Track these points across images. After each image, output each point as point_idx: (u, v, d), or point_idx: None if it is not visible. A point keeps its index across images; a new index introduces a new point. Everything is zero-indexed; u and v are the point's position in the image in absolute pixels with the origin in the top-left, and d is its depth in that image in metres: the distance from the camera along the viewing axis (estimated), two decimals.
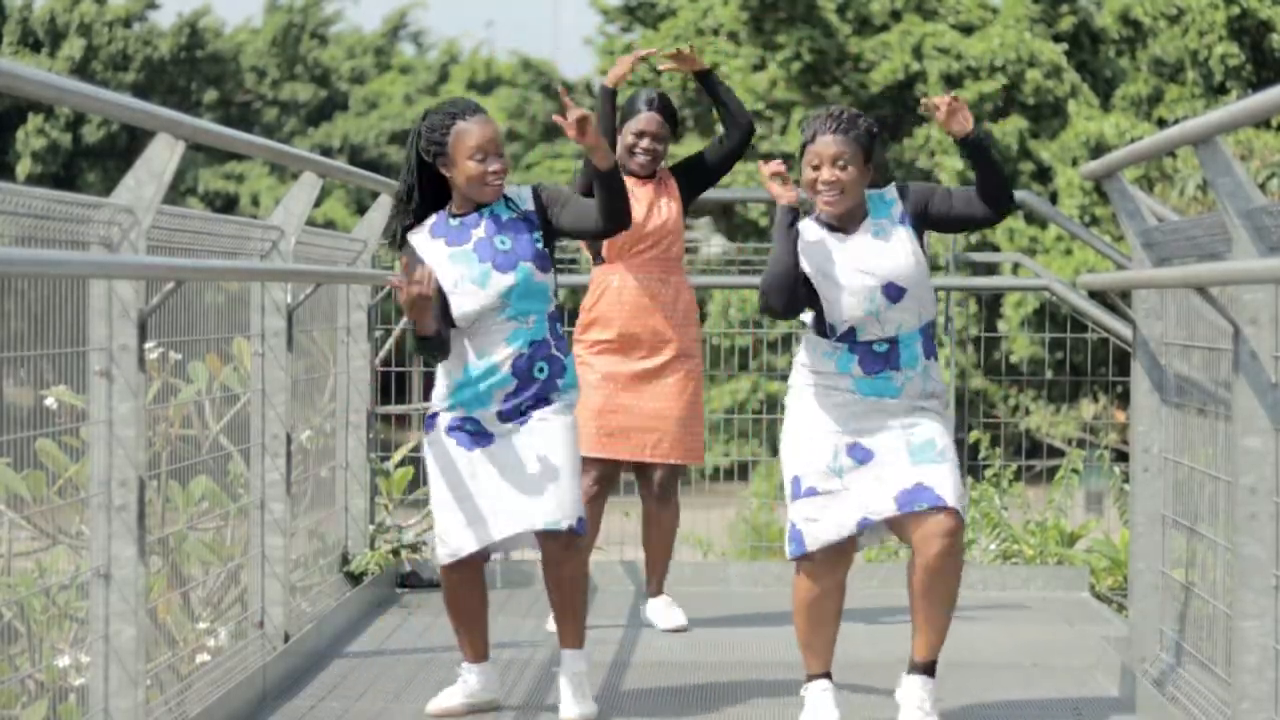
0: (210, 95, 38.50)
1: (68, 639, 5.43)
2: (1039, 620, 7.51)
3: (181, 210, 5.68)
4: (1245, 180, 4.91)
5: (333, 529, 7.72)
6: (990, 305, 24.30)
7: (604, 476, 7.02)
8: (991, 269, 20.30)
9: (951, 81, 26.41)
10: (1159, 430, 6.05)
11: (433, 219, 5.61)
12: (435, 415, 5.61)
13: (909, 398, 5.38)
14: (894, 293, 5.34)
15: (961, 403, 10.02)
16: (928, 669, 5.41)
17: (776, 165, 5.35)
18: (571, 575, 5.62)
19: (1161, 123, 25.08)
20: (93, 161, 36.31)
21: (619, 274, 7.00)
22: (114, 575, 4.84)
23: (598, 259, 7.07)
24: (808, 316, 5.45)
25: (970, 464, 9.27)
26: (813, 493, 5.36)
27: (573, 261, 10.06)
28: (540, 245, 5.58)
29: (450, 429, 5.56)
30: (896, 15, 27.57)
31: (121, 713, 4.85)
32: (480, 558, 5.66)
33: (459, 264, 5.53)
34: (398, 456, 8.60)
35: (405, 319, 8.38)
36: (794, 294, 5.35)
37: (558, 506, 5.51)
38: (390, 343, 8.76)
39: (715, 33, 28.07)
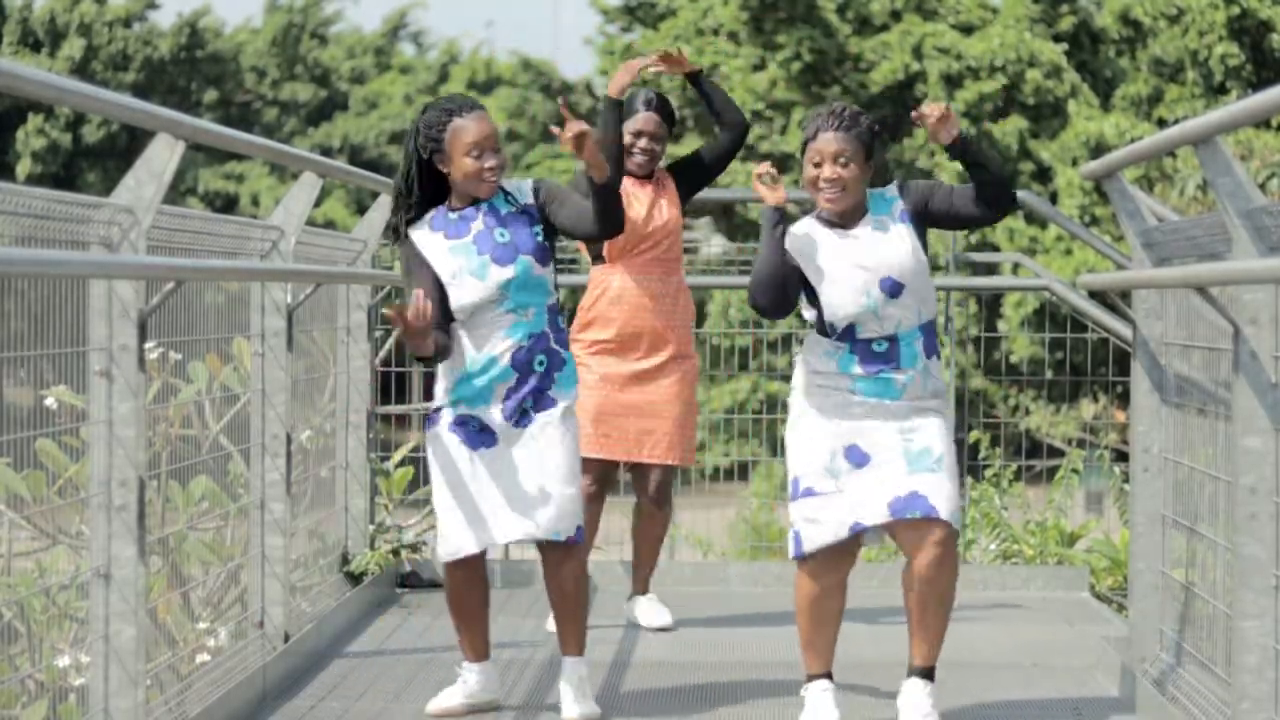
0: (210, 95, 38.51)
1: (68, 639, 5.43)
2: (1039, 620, 7.51)
3: (181, 210, 5.68)
4: (1245, 180, 4.91)
5: (333, 529, 7.72)
6: (990, 305, 24.30)
7: (602, 477, 7.02)
8: (991, 269, 20.31)
9: (951, 81, 26.41)
10: (1159, 430, 6.05)
11: (432, 213, 5.61)
12: (438, 411, 5.61)
13: (911, 399, 5.38)
14: (892, 288, 5.34)
15: (961, 403, 10.01)
16: (927, 673, 5.42)
17: (764, 167, 5.37)
18: (572, 582, 5.64)
19: (1161, 123, 25.08)
20: (93, 161, 36.32)
21: (619, 274, 7.00)
22: (114, 575, 4.85)
23: (597, 259, 7.06)
24: (810, 314, 5.45)
25: (970, 464, 9.27)
26: (810, 493, 5.36)
27: (572, 261, 10.05)
28: (540, 239, 5.58)
29: (452, 426, 5.56)
30: (896, 15, 27.57)
31: (121, 713, 4.85)
32: (482, 555, 5.67)
33: (458, 256, 5.53)
34: (398, 456, 8.60)
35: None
36: (781, 293, 5.35)
37: (558, 518, 5.53)
38: (390, 343, 8.76)
39: (715, 33, 28.07)
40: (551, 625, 6.72)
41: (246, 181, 37.03)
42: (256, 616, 6.35)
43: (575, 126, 5.32)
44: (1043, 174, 26.38)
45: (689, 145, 25.90)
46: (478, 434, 5.55)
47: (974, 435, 9.53)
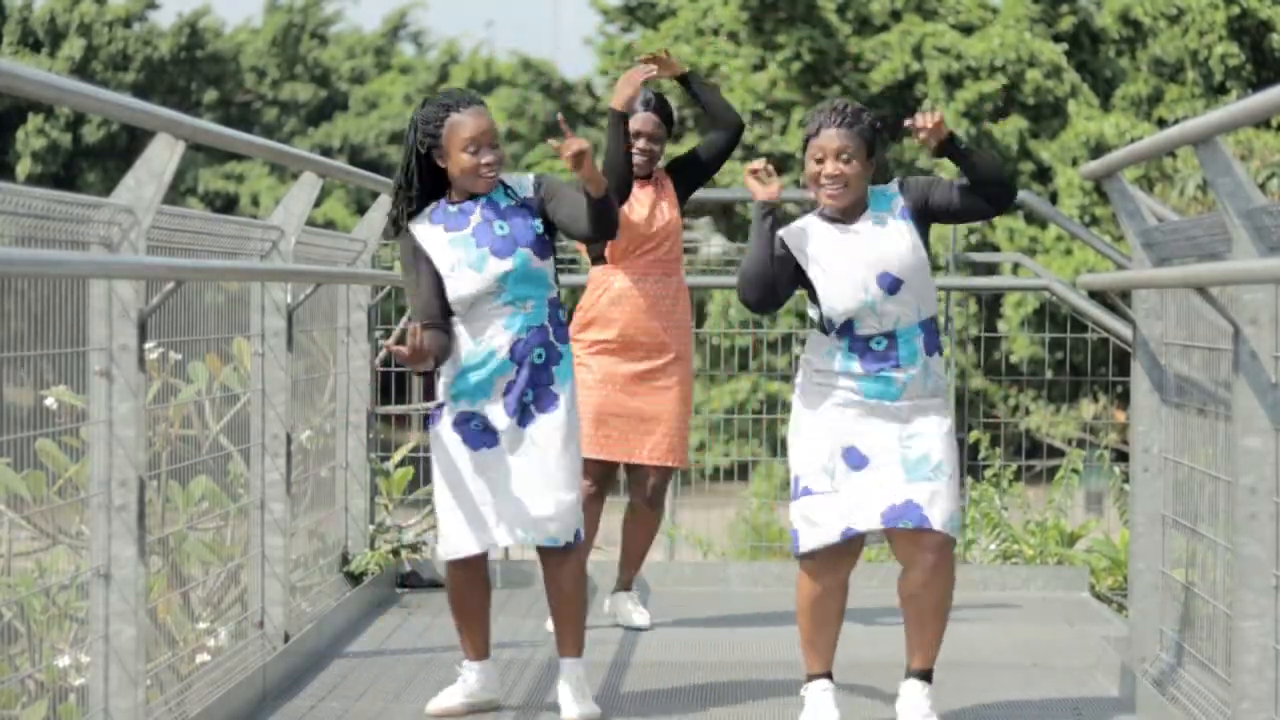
0: (210, 95, 38.49)
1: (68, 639, 5.43)
2: (1039, 620, 7.51)
3: (181, 210, 5.68)
4: (1245, 180, 4.91)
5: (333, 529, 7.72)
6: (990, 305, 24.29)
7: (602, 477, 7.02)
8: (991, 269, 20.30)
9: (951, 81, 26.40)
10: (1159, 430, 6.05)
11: (432, 206, 5.62)
12: (440, 409, 5.61)
13: (911, 398, 5.37)
14: (891, 285, 5.34)
15: (961, 403, 10.02)
16: (925, 675, 5.43)
17: (758, 163, 5.38)
18: (571, 583, 5.64)
19: (1161, 123, 25.06)
20: (93, 161, 36.31)
21: (620, 275, 6.99)
22: (114, 575, 4.85)
23: (598, 260, 7.06)
24: (815, 312, 5.45)
25: (970, 464, 9.27)
26: (809, 492, 5.37)
27: (572, 261, 10.05)
28: (539, 232, 5.59)
29: (454, 426, 5.56)
30: (896, 15, 27.56)
31: (121, 713, 4.85)
32: (483, 555, 5.67)
33: (457, 248, 5.54)
34: (398, 456, 8.60)
35: (404, 320, 8.38)
36: (769, 288, 5.36)
37: (556, 524, 5.53)
38: (390, 343, 8.76)
39: (715, 33, 28.06)
40: (551, 625, 6.72)
41: (246, 181, 37.02)
42: (256, 616, 6.35)
43: (575, 144, 5.33)
44: (1043, 174, 26.37)
45: (688, 145, 25.87)
46: (479, 434, 5.55)
47: (974, 435, 9.53)
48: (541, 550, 5.65)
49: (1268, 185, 17.54)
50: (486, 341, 5.53)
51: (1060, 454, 10.50)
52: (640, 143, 6.98)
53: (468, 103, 5.55)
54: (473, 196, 5.60)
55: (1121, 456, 9.43)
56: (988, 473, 9.27)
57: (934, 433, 5.36)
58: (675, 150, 7.23)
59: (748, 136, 26.56)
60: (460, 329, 5.57)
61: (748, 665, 6.52)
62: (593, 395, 6.90)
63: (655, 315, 6.99)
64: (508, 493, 5.53)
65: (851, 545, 5.40)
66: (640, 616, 7.20)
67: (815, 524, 5.34)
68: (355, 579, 7.70)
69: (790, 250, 5.40)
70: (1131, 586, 6.27)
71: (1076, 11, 27.76)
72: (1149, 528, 6.10)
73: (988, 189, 5.32)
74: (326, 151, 36.78)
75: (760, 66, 27.58)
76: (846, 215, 5.42)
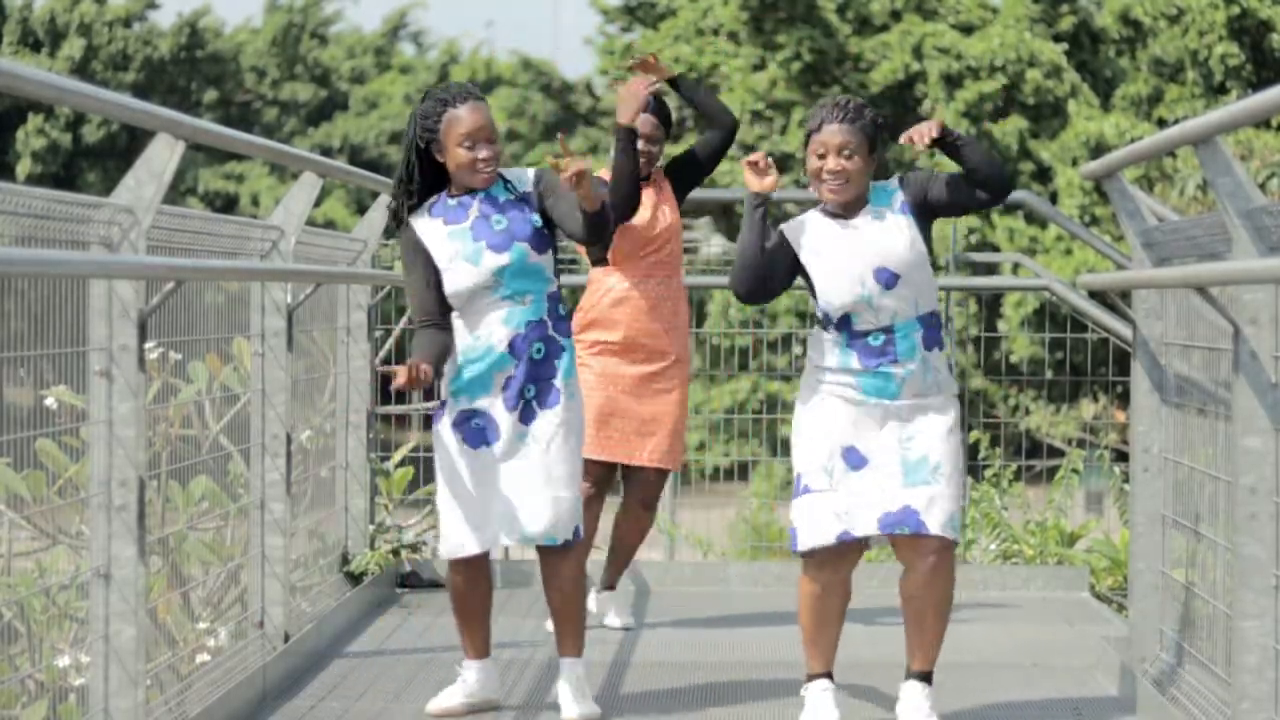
0: (210, 95, 38.49)
1: (68, 639, 5.43)
2: (1039, 620, 7.51)
3: (181, 210, 5.68)
4: (1245, 180, 4.91)
5: (333, 529, 7.72)
6: (990, 305, 24.29)
7: (602, 478, 7.02)
8: (991, 269, 20.30)
9: (951, 81, 26.40)
10: (1159, 430, 6.05)
11: (433, 199, 5.62)
12: (442, 406, 5.61)
13: (912, 395, 5.37)
14: (887, 278, 5.33)
15: (962, 403, 10.00)
16: (925, 676, 5.43)
17: (755, 156, 5.39)
18: (571, 583, 5.64)
19: (1161, 123, 25.06)
20: (93, 161, 36.30)
21: (621, 277, 6.98)
22: (114, 575, 4.84)
23: (599, 261, 7.04)
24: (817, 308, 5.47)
25: (970, 464, 9.27)
26: (808, 491, 5.37)
27: (573, 261, 10.05)
28: (537, 226, 5.58)
29: (455, 424, 5.56)
30: (896, 15, 27.55)
31: (121, 713, 4.85)
32: (485, 554, 5.67)
33: (454, 241, 5.54)
34: (398, 456, 8.60)
35: (405, 319, 8.39)
36: (760, 279, 5.38)
37: (555, 522, 5.53)
38: (390, 343, 8.77)
39: (715, 33, 28.05)
40: (551, 625, 6.72)
41: (246, 181, 37.02)
42: (256, 616, 6.35)
43: (575, 166, 5.33)
44: (1043, 174, 26.37)
45: (688, 145, 25.84)
46: (479, 432, 5.55)
47: (974, 435, 9.54)
48: (541, 549, 5.64)
49: (1268, 185, 17.54)
50: (484, 336, 5.53)
51: (1060, 454, 10.50)
52: (639, 144, 6.97)
53: (465, 97, 5.55)
54: (472, 190, 5.60)
55: (1121, 456, 9.43)
56: (988, 473, 9.27)
57: (934, 432, 5.36)
58: (672, 150, 7.21)
59: (748, 136, 26.55)
60: (458, 324, 5.57)
61: (748, 665, 6.52)
62: (595, 397, 6.90)
63: (657, 318, 6.99)
64: (506, 492, 5.52)
65: (850, 546, 5.40)
66: (624, 617, 7.19)
67: (813, 523, 5.34)
68: (355, 579, 7.70)
69: (789, 242, 5.41)
70: (1131, 586, 6.27)
71: (1076, 11, 27.75)
72: (1149, 528, 6.10)
73: (983, 177, 5.32)
74: (326, 151, 36.77)
75: (760, 66, 27.57)
76: (847, 210, 5.42)
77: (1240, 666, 4.83)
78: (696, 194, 7.37)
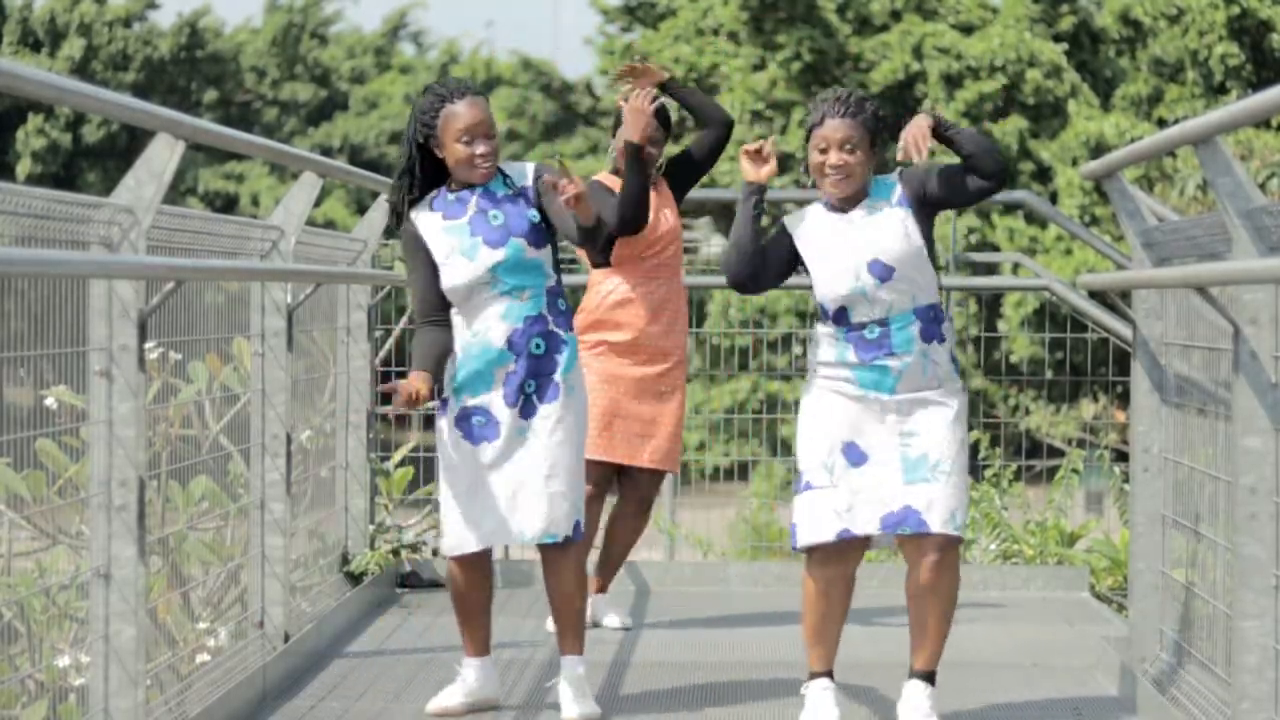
0: (210, 95, 38.49)
1: (68, 639, 5.43)
2: (1039, 620, 7.51)
3: (181, 210, 5.68)
4: (1245, 180, 4.91)
5: (333, 529, 7.73)
6: (990, 305, 24.29)
7: (603, 479, 7.02)
8: (991, 269, 20.30)
9: (951, 81, 26.40)
10: (1159, 430, 6.05)
11: (433, 194, 5.63)
12: (444, 404, 5.61)
13: (909, 389, 5.35)
14: (881, 271, 5.33)
15: None
16: (927, 676, 5.43)
17: (755, 144, 5.40)
18: (571, 582, 5.64)
19: (1161, 123, 25.06)
20: (93, 161, 36.31)
21: (623, 278, 6.98)
22: (114, 575, 4.84)
23: (600, 264, 7.04)
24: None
25: (970, 464, 9.26)
26: (809, 488, 5.37)
27: (573, 261, 10.05)
28: (535, 221, 5.58)
29: (457, 421, 5.56)
30: (896, 15, 27.55)
31: (121, 713, 4.85)
32: (486, 552, 5.67)
33: (452, 236, 5.55)
34: (398, 456, 8.60)
35: (405, 319, 8.39)
36: (752, 268, 5.41)
37: (555, 519, 5.52)
38: (390, 343, 8.77)
39: (715, 33, 28.05)
40: (551, 625, 6.72)
41: (246, 181, 37.02)
42: (256, 616, 6.35)
43: (572, 189, 5.34)
44: (1043, 174, 26.36)
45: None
46: (480, 429, 5.54)
47: (974, 435, 9.53)
48: (542, 548, 5.64)
49: (1268, 185, 17.53)
50: (483, 332, 5.53)
51: (1060, 454, 10.50)
52: None
53: (463, 93, 5.55)
54: (471, 185, 5.61)
55: (1121, 456, 9.43)
56: (988, 473, 9.27)
57: (935, 428, 5.35)
58: (672, 151, 7.21)
59: (748, 136, 26.54)
60: (457, 320, 5.57)
61: (748, 665, 6.52)
62: (599, 398, 6.89)
63: (658, 320, 6.99)
64: (507, 489, 5.52)
65: (852, 543, 5.40)
66: (622, 618, 7.19)
67: (813, 520, 5.34)
68: (355, 579, 7.70)
69: (789, 232, 5.43)
70: (1131, 586, 6.27)
71: (1076, 11, 27.75)
72: (1149, 528, 6.10)
73: (980, 163, 5.31)
74: (326, 151, 36.78)
75: (760, 66, 27.57)
76: (846, 204, 5.43)
77: (1240, 666, 4.83)
78: (697, 194, 7.38)
